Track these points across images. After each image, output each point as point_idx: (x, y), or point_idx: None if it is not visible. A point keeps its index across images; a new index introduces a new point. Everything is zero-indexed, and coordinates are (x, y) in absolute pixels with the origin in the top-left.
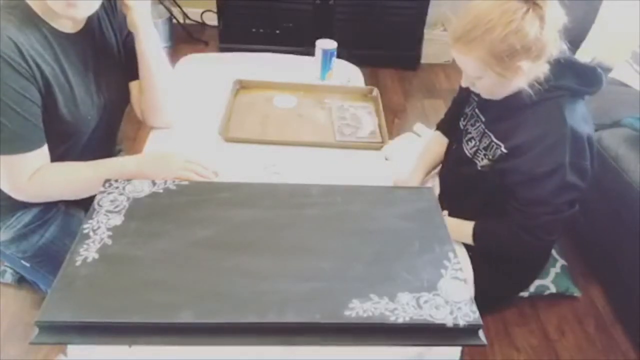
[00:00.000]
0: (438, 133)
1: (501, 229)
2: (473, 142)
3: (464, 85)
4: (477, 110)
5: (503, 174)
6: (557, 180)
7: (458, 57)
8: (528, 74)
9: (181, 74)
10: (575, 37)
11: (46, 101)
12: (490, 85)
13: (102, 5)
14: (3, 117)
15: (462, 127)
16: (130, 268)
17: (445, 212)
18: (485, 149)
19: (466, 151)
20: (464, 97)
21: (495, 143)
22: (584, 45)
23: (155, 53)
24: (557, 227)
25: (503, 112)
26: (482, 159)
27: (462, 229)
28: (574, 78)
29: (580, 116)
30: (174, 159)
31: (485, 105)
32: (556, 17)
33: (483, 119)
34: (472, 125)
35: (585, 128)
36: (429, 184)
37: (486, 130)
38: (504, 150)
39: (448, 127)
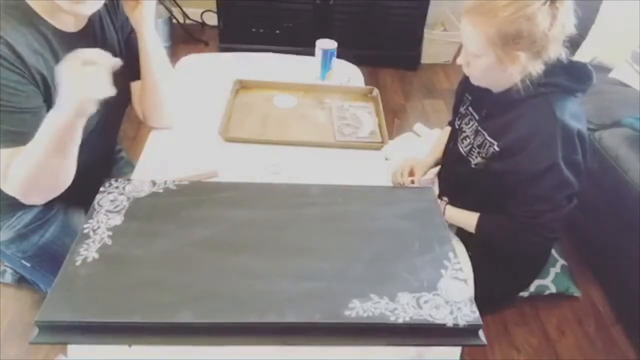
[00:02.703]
0: (448, 128)
1: (506, 224)
2: (468, 141)
3: (459, 62)
4: (470, 109)
5: (500, 176)
6: (554, 176)
7: (466, 28)
8: (523, 69)
9: (181, 74)
10: (575, 37)
11: (44, 100)
12: (484, 67)
13: (104, 4)
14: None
15: (457, 126)
16: (130, 268)
17: (446, 199)
18: (479, 146)
19: (461, 149)
20: (459, 95)
21: (489, 141)
22: (584, 45)
23: (157, 52)
24: (558, 225)
25: (495, 109)
26: (475, 156)
27: (466, 220)
28: (564, 75)
29: (570, 112)
30: (73, 73)
31: (479, 103)
32: (567, 22)
33: (477, 117)
34: (466, 124)
35: (575, 124)
36: (429, 184)
37: (479, 128)
38: (497, 149)
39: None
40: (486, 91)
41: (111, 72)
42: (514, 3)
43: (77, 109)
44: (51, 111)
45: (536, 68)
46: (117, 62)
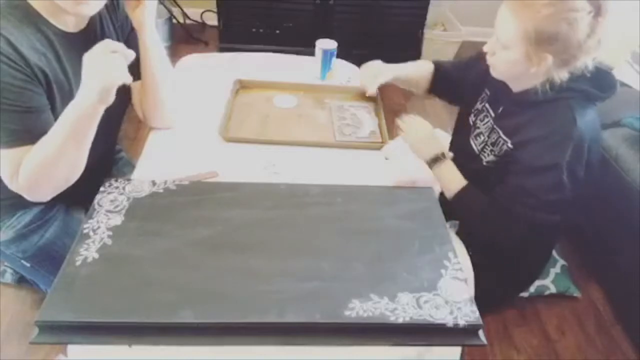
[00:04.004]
0: (432, 66)
1: (483, 203)
2: (481, 138)
3: (485, 49)
4: (487, 105)
5: (506, 168)
6: (552, 177)
7: (504, 15)
8: (547, 72)
9: (181, 74)
10: None
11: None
12: (510, 62)
13: (105, 4)
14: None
15: (471, 122)
16: (130, 268)
17: (451, 154)
18: (492, 144)
19: (474, 147)
20: (478, 86)
21: (503, 139)
22: None
23: (158, 52)
24: (523, 227)
25: (514, 108)
26: (488, 154)
27: (452, 182)
28: (588, 82)
29: (590, 121)
30: (98, 59)
31: (496, 99)
32: (603, 40)
33: (492, 115)
34: (481, 121)
35: (590, 133)
36: (429, 184)
37: (495, 126)
38: (510, 146)
39: (442, 78)
40: (505, 89)
41: (127, 62)
42: (559, 3)
43: (100, 95)
44: (72, 102)
45: (560, 75)
46: (132, 54)
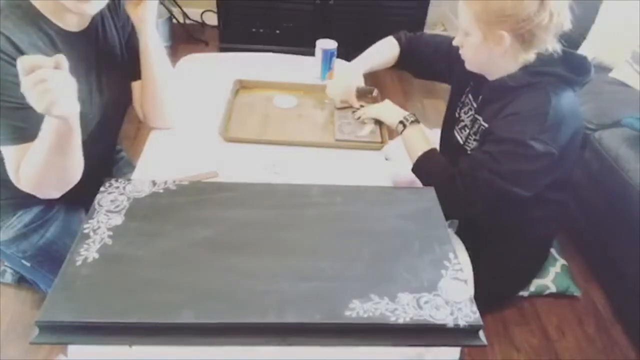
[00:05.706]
0: (395, 43)
1: (444, 164)
2: (466, 131)
3: (454, 43)
4: (470, 96)
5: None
6: (520, 148)
7: (460, 4)
8: (507, 52)
9: (181, 74)
10: (575, 37)
11: None
12: (473, 48)
13: (106, 4)
14: (3, 110)
15: (456, 115)
16: (130, 268)
17: (414, 118)
18: (475, 133)
19: (458, 138)
20: (464, 80)
21: (483, 125)
22: (584, 45)
23: (158, 52)
24: (485, 192)
25: (492, 95)
26: (472, 142)
27: (421, 145)
28: (562, 66)
29: (568, 103)
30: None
31: (477, 89)
32: (556, 13)
33: (475, 105)
34: (465, 114)
35: (568, 115)
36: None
37: (476, 115)
38: (485, 125)
39: (409, 58)
40: (484, 78)
41: (58, 67)
42: None
43: (50, 115)
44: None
45: (527, 57)
46: (59, 57)
